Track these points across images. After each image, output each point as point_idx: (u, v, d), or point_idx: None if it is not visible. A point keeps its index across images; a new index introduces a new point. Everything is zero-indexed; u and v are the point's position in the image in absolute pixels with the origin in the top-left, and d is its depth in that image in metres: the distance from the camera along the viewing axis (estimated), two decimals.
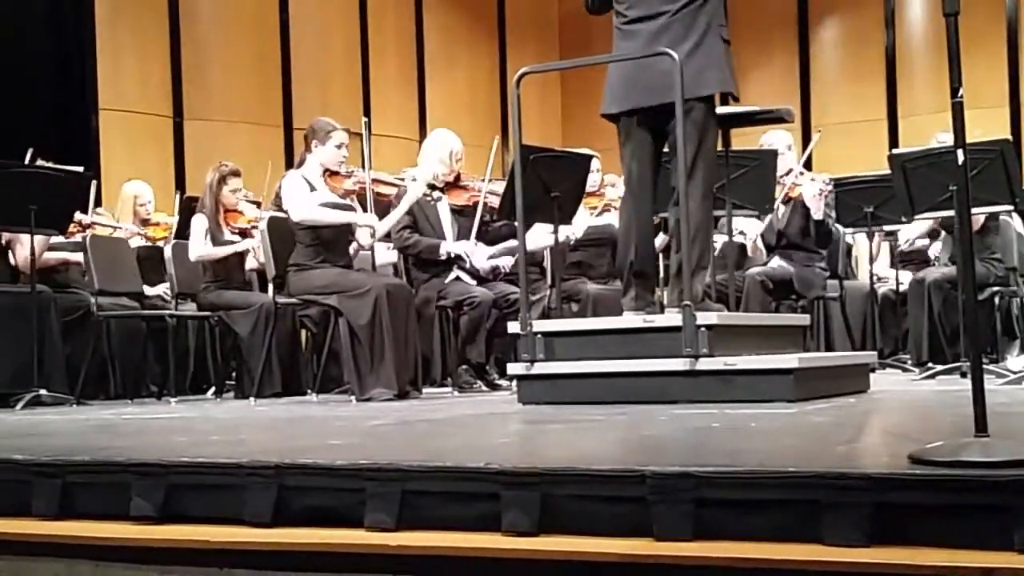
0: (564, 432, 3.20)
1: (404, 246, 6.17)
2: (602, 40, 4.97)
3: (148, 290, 6.86)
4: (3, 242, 6.38)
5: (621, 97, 4.48)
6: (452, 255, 6.09)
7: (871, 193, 6.71)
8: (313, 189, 5.57)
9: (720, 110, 4.61)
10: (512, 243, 6.12)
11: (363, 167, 5.83)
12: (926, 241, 7.44)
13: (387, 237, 6.29)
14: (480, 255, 6.24)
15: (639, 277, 4.51)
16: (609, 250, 6.64)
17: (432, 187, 6.21)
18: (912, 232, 7.31)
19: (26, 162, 6.31)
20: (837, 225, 7.03)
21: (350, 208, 5.72)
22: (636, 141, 4.50)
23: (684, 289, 4.15)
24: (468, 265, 6.15)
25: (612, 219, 6.58)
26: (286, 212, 5.59)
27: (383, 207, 5.99)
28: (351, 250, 5.75)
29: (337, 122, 5.80)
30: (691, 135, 4.30)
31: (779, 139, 6.81)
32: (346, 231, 5.64)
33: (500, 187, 6.07)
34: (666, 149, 4.55)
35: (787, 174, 6.70)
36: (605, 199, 6.89)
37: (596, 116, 4.65)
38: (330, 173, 5.66)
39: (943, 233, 6.95)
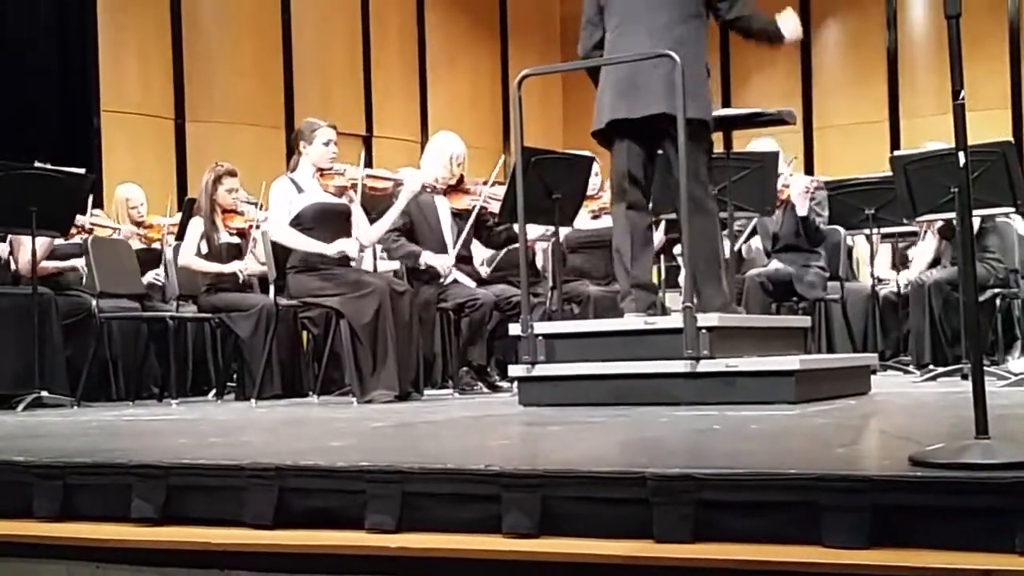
0: (565, 434, 3.20)
1: (388, 248, 6.18)
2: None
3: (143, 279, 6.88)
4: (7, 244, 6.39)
5: (608, 111, 4.49)
6: (428, 266, 6.04)
7: (872, 195, 6.71)
8: (301, 191, 5.57)
9: (722, 112, 4.61)
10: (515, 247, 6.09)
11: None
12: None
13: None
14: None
15: (638, 284, 4.53)
16: (608, 252, 6.63)
17: (430, 189, 6.21)
18: (923, 256, 7.23)
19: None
20: (838, 228, 7.03)
21: (345, 208, 5.70)
22: (626, 155, 4.52)
23: (685, 291, 4.16)
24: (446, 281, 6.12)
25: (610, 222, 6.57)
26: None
27: (380, 201, 5.98)
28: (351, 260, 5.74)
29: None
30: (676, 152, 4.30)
31: (764, 147, 6.78)
32: (342, 233, 5.62)
33: (501, 191, 6.06)
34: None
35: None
36: (603, 202, 6.87)
37: None
38: (321, 172, 5.66)
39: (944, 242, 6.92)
